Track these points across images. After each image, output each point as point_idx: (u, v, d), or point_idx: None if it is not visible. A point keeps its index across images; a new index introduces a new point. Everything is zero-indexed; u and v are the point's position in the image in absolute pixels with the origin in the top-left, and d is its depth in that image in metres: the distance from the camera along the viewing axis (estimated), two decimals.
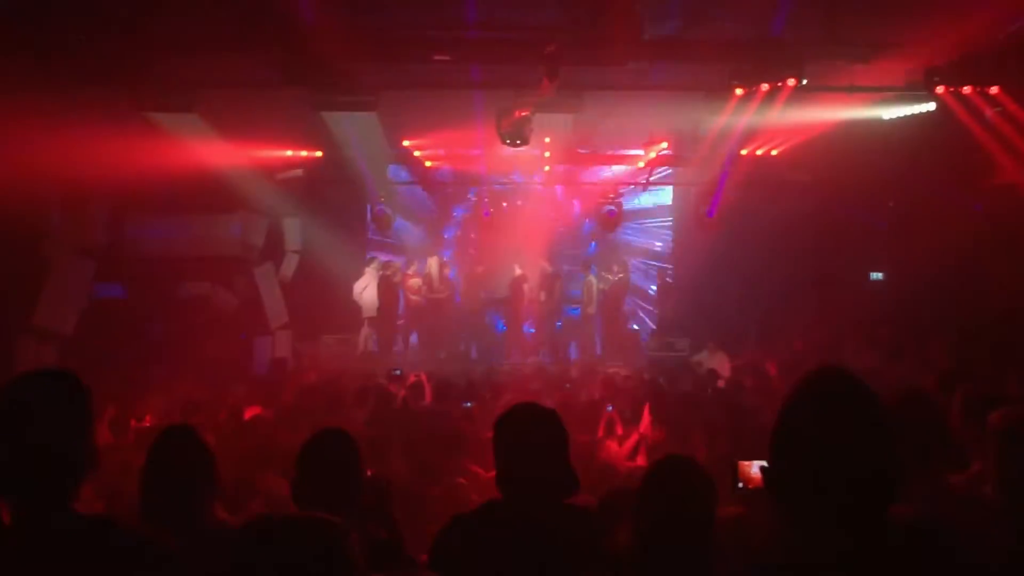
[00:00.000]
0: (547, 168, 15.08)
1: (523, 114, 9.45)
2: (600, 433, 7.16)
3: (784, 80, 8.33)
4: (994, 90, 8.73)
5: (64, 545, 2.03)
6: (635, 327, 17.29)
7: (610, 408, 7.54)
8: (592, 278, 15.95)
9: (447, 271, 16.84)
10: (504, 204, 16.56)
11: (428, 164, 14.24)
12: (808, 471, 1.78)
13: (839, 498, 1.75)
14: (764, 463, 1.94)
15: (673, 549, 2.57)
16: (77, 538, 2.05)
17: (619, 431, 6.97)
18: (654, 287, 17.76)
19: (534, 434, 2.77)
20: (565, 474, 2.76)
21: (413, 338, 16.47)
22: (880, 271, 15.29)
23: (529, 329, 16.26)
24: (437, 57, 8.94)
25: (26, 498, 2.05)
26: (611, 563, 2.61)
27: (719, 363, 12.90)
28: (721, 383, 11.41)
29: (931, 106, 9.23)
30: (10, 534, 2.06)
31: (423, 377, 9.89)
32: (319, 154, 13.74)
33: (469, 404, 8.84)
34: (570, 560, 2.62)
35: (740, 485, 2.70)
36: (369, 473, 3.00)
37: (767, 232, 15.31)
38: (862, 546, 1.74)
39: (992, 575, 1.80)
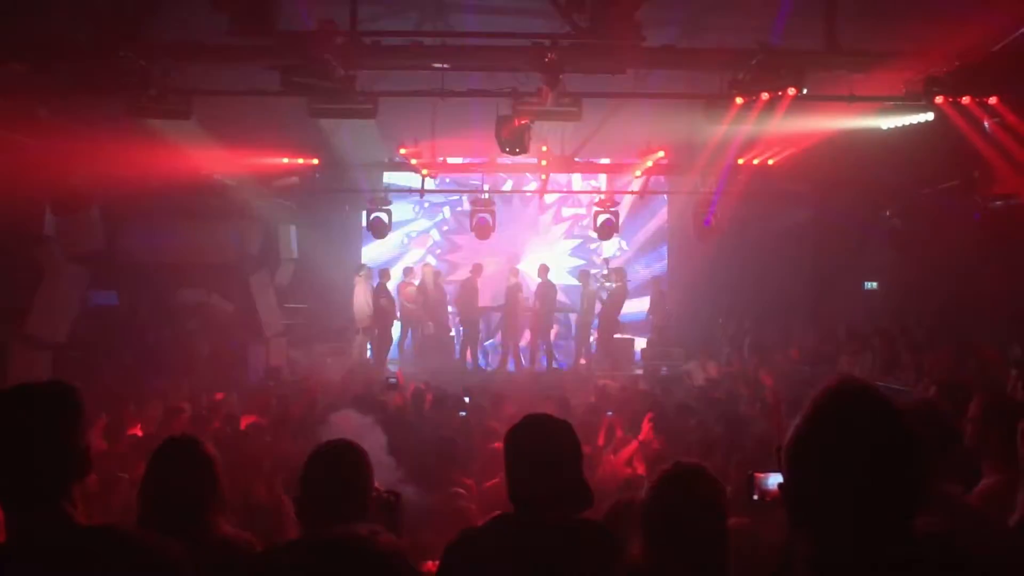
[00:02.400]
0: (544, 176, 15.09)
1: (523, 122, 9.42)
2: (601, 441, 7.12)
3: (784, 89, 8.31)
4: (993, 100, 8.72)
5: (65, 555, 2.00)
6: (631, 336, 17.26)
7: (610, 413, 7.50)
8: (591, 288, 15.95)
9: (441, 279, 16.82)
10: (500, 212, 16.50)
11: (425, 172, 14.22)
12: (830, 486, 1.74)
13: (862, 514, 1.72)
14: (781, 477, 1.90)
15: (687, 560, 2.52)
16: (78, 548, 2.02)
17: (619, 435, 6.92)
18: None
19: (547, 447, 2.71)
20: (579, 488, 2.70)
21: (407, 346, 16.42)
22: (876, 280, 15.32)
23: (524, 338, 16.24)
24: (436, 65, 8.92)
25: (17, 506, 2.04)
26: None
27: (709, 372, 12.91)
28: (717, 393, 11.40)
29: (929, 116, 9.23)
30: (10, 546, 2.03)
31: (421, 387, 9.85)
32: (316, 161, 13.72)
33: (464, 413, 8.81)
34: (583, 575, 2.57)
35: (755, 497, 2.65)
36: (377, 486, 2.93)
37: (763, 241, 15.36)
38: (884, 562, 1.70)
39: None
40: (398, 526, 2.90)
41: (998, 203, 10.72)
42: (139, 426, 8.49)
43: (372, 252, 17.80)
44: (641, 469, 6.54)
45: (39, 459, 2.04)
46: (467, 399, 9.48)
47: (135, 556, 2.04)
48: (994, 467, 3.37)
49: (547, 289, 15.91)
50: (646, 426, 6.71)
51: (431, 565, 3.41)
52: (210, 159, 11.63)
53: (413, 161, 13.64)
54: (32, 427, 2.06)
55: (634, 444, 6.73)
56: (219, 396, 10.01)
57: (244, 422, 8.25)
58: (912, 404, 3.25)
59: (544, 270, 16.23)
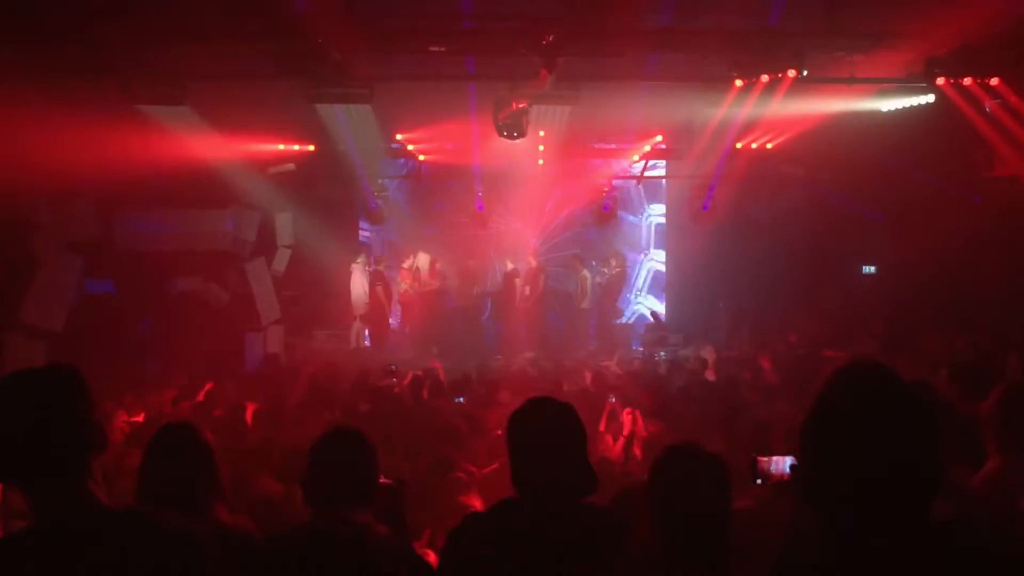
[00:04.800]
0: (541, 162, 15.01)
1: (520, 106, 9.36)
2: (602, 426, 7.09)
3: (784, 71, 8.26)
4: (994, 81, 8.69)
5: (94, 537, 2.00)
6: (629, 320, 17.24)
7: (612, 399, 7.47)
8: (586, 272, 15.89)
9: (438, 265, 16.77)
10: (497, 198, 16.44)
11: (422, 158, 14.14)
12: (846, 468, 1.70)
13: (878, 496, 1.68)
14: (791, 460, 1.86)
15: (691, 538, 2.49)
16: (106, 529, 2.02)
17: (624, 422, 6.88)
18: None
19: (552, 431, 2.66)
20: (584, 473, 2.66)
21: (406, 333, 16.38)
22: (874, 264, 15.29)
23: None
24: (433, 48, 8.85)
25: (42, 487, 2.04)
26: (630, 561, 2.53)
27: (708, 357, 12.87)
28: (710, 375, 11.38)
29: (930, 98, 9.18)
30: (39, 528, 2.03)
31: (419, 374, 9.81)
32: (312, 148, 13.63)
33: (461, 399, 8.78)
34: (589, 561, 2.53)
35: (758, 481, 2.63)
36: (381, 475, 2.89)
37: (761, 225, 15.32)
38: (900, 545, 1.66)
39: None
40: (402, 514, 2.86)
41: (1000, 185, 10.69)
42: (143, 415, 8.45)
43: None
44: (639, 454, 6.52)
45: (58, 436, 2.05)
46: (465, 386, 9.45)
47: (163, 538, 2.04)
48: (999, 449, 3.33)
49: (535, 274, 15.85)
50: (627, 418, 6.68)
51: (431, 554, 3.37)
52: (206, 146, 11.55)
53: (410, 147, 13.57)
54: (46, 405, 2.06)
55: (621, 440, 6.69)
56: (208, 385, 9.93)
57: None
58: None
59: (534, 255, 16.17)
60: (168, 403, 8.56)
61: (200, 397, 8.76)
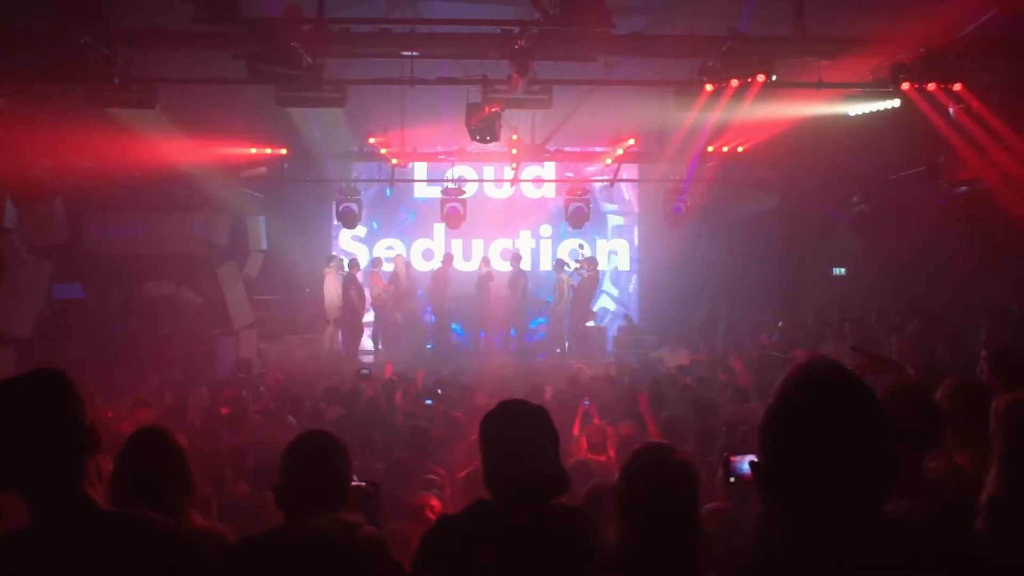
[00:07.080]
0: (514, 165, 15.05)
1: (493, 110, 9.37)
2: (576, 430, 7.13)
3: (753, 76, 8.35)
4: (957, 87, 8.83)
5: (88, 540, 2.02)
6: (603, 323, 17.32)
7: (587, 403, 7.52)
8: (564, 276, 15.95)
9: (413, 270, 16.75)
10: (471, 201, 16.44)
11: (394, 161, 14.13)
12: (802, 465, 1.73)
13: (834, 492, 1.71)
14: (753, 458, 1.90)
15: (659, 537, 2.53)
16: (101, 532, 2.04)
17: (596, 422, 6.94)
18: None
19: (523, 433, 2.69)
20: (555, 473, 2.69)
21: (379, 337, 16.34)
22: (844, 266, 15.48)
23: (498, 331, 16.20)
24: (405, 53, 8.85)
25: (39, 490, 2.06)
26: (601, 561, 2.57)
27: (680, 359, 12.95)
28: (684, 377, 11.49)
29: (896, 102, 9.31)
30: (35, 531, 2.04)
31: (394, 378, 9.82)
32: (284, 151, 13.58)
33: (430, 402, 8.79)
34: (562, 561, 2.57)
35: (732, 480, 2.68)
36: (355, 477, 2.90)
37: (733, 228, 15.46)
38: (857, 541, 1.69)
39: (989, 570, 1.76)
40: (377, 516, 2.88)
41: (963, 188, 10.87)
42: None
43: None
44: (613, 455, 6.56)
45: (53, 439, 2.07)
46: (439, 391, 9.47)
47: (157, 540, 2.07)
48: (960, 447, 3.40)
49: (518, 277, 15.88)
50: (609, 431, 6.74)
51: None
52: (176, 149, 11.47)
53: (383, 151, 13.56)
54: (38, 410, 2.08)
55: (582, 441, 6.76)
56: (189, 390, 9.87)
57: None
58: (898, 385, 3.27)
59: (516, 258, 16.19)
60: (134, 408, 8.49)
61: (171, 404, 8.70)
